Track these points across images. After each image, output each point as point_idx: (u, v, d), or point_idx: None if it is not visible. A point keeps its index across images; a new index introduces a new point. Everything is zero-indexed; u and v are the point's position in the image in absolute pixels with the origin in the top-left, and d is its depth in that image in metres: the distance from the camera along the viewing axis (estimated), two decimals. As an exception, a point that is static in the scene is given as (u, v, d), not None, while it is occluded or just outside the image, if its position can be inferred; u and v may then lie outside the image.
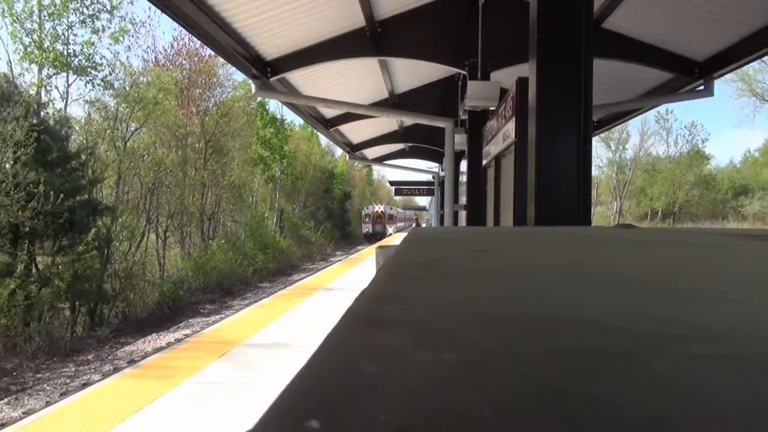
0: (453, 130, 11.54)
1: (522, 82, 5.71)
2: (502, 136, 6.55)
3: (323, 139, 69.67)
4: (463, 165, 13.05)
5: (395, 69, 13.42)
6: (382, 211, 67.56)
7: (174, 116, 30.96)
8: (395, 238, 43.83)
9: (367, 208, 68.72)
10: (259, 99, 41.85)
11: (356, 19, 9.65)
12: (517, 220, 6.33)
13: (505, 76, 10.44)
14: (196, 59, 36.04)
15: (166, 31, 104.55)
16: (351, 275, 20.31)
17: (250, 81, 10.50)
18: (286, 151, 47.93)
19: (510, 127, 6.00)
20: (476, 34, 9.81)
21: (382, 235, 63.94)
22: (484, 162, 9.09)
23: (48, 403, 11.30)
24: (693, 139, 77.34)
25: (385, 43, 9.93)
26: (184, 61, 36.15)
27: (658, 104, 15.11)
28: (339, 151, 78.15)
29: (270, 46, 9.70)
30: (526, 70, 9.12)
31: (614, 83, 11.92)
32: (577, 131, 4.29)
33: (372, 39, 9.87)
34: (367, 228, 66.84)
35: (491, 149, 8.01)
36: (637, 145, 78.46)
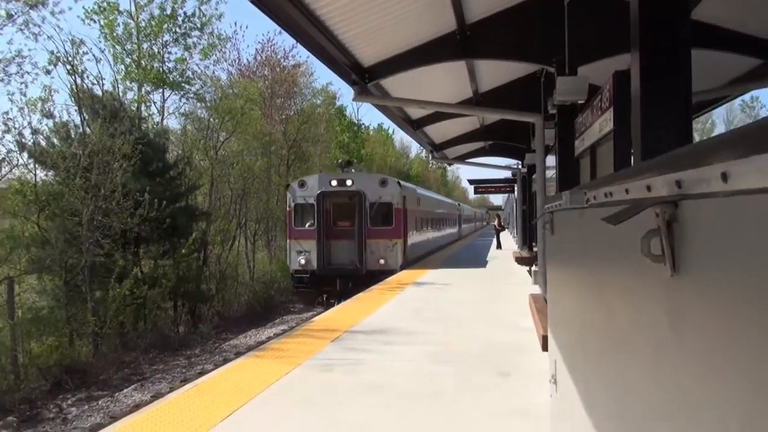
0: (543, 125, 11.95)
1: (619, 75, 6.13)
2: (598, 126, 6.97)
3: (398, 142, 70.53)
4: (549, 160, 13.40)
5: (480, 68, 13.88)
6: (355, 193, 21.97)
7: (259, 125, 32.54)
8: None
9: (301, 184, 22.92)
10: (337, 105, 43.27)
11: (447, 24, 10.23)
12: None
13: (591, 71, 10.75)
14: (278, 69, 37.74)
15: (250, 44, 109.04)
16: (437, 272, 20.90)
17: (348, 87, 11.26)
18: (363, 155, 49.15)
19: (607, 117, 6.43)
20: (562, 32, 10.19)
21: (353, 278, 20.94)
22: (577, 153, 9.48)
23: (171, 389, 12.44)
24: (785, 126, 73.27)
25: (474, 46, 10.46)
26: (266, 72, 37.92)
27: (748, 91, 14.96)
28: (413, 153, 78.80)
29: (368, 54, 10.44)
30: (612, 64, 9.44)
31: (699, 72, 11.99)
32: (678, 118, 4.71)
33: (462, 42, 10.42)
34: (302, 254, 22.23)
35: (585, 140, 8.43)
36: (723, 135, 74.89)
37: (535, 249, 16.45)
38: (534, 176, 16.58)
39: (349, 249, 21.65)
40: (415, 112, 16.28)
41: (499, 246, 34.21)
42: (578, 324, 2.40)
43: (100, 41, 24.22)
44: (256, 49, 40.94)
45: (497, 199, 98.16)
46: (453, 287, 16.14)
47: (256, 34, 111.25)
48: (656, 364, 1.33)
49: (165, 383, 14.05)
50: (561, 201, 2.55)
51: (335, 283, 21.23)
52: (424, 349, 8.43)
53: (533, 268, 15.99)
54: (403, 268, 21.49)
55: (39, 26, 17.40)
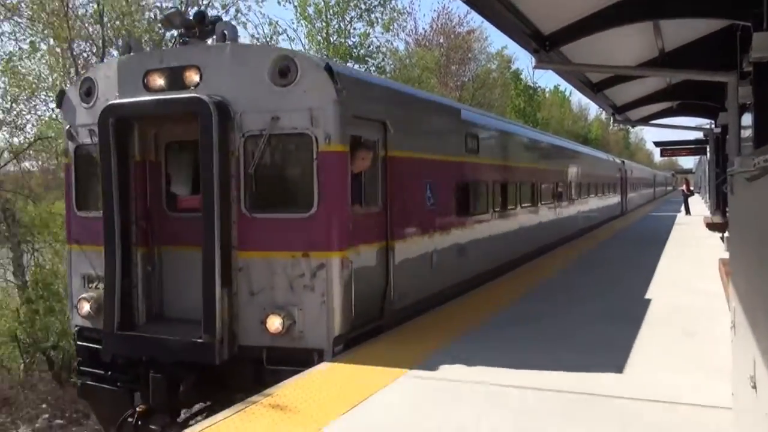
0: (737, 84, 11.34)
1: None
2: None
3: (575, 103, 67.87)
4: (746, 119, 12.60)
5: (666, 26, 13.33)
6: (200, 107, 7.00)
7: (436, 92, 33.46)
8: None
9: (88, 91, 8.03)
10: (512, 69, 42.86)
11: (631, -16, 10.11)
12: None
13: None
14: (452, 36, 38.28)
15: (426, 13, 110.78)
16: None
17: (524, 49, 11.55)
18: (538, 119, 48.23)
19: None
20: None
21: (190, 371, 7.17)
22: (775, 112, 9.00)
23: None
24: None
25: (661, 5, 10.15)
26: (441, 40, 38.62)
27: None
28: (592, 114, 75.28)
29: (548, 22, 10.63)
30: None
31: None
32: None
33: (648, 2, 10.24)
34: (93, 286, 8.10)
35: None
36: None
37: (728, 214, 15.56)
38: (728, 137, 15.55)
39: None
40: (596, 75, 16.01)
41: (687, 212, 32.40)
42: (750, 269, 2.81)
43: (293, 22, 26.48)
44: (432, 18, 41.77)
45: (687, 162, 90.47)
46: None
47: (432, 1, 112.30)
48: None
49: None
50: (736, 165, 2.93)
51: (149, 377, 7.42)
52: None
53: (725, 234, 15.23)
54: (351, 341, 7.28)
55: (245, 15, 19.52)
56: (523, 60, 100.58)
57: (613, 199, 30.15)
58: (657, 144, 33.96)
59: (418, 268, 8.89)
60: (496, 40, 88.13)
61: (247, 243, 7.07)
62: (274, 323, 6.78)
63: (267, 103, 6.98)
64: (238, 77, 7.13)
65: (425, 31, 39.59)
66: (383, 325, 7.85)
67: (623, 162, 35.68)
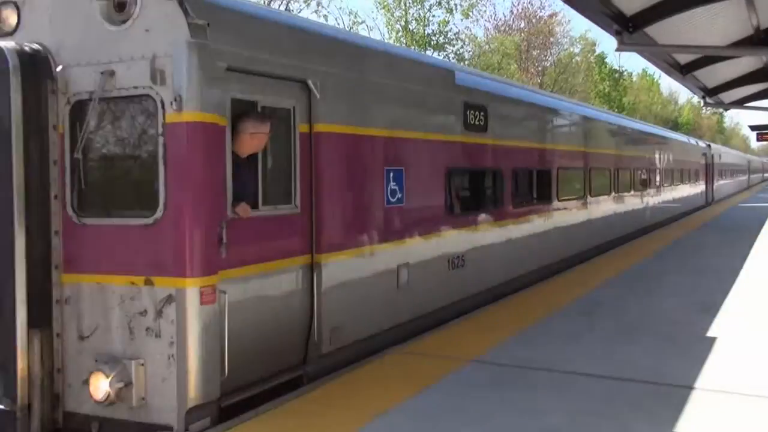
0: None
1: None
2: None
3: (665, 88, 65.00)
4: None
5: (761, 0, 12.71)
6: None
7: (517, 79, 32.99)
8: None
9: None
10: (597, 52, 41.50)
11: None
12: None
13: None
14: (534, 20, 37.53)
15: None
16: None
17: (609, 36, 11.31)
18: (624, 104, 46.55)
19: None
20: None
21: None
22: None
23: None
24: None
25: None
26: (522, 24, 37.94)
27: None
28: (682, 99, 71.83)
29: (631, 2, 10.40)
30: None
31: None
32: None
33: (740, -24, 9.80)
34: None
35: None
36: None
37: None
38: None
39: None
40: (684, 57, 15.40)
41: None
42: None
43: (372, 11, 26.85)
44: (512, 3, 41.13)
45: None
46: None
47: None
48: None
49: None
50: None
51: None
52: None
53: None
54: (236, 408, 4.88)
55: (325, 8, 20.07)
56: (607, 43, 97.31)
57: (696, 188, 26.77)
58: (753, 128, 32.13)
59: (371, 291, 6.37)
60: (579, 23, 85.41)
61: (75, 262, 4.87)
62: (99, 386, 4.51)
63: (100, 52, 4.77)
64: (63, 16, 4.96)
65: (505, 16, 39.07)
66: (303, 377, 5.52)
67: (709, 146, 31.73)
